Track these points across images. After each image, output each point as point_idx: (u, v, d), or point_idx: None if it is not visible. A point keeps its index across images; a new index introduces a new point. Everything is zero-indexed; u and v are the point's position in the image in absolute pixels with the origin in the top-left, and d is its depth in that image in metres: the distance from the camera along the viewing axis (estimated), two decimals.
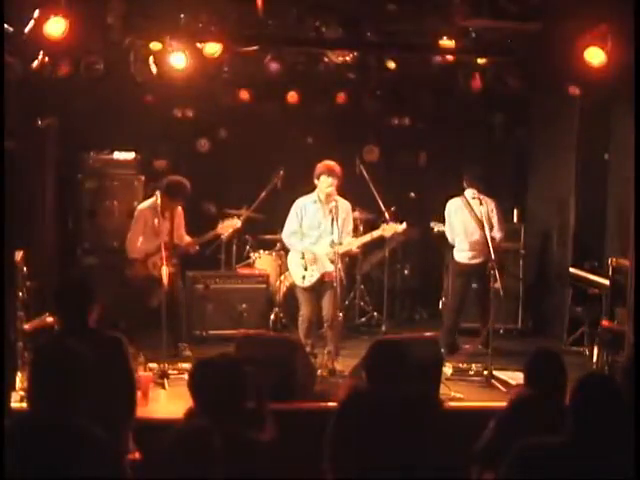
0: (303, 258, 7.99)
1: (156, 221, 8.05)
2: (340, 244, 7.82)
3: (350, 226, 8.17)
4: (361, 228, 9.28)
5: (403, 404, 4.39)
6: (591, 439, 3.44)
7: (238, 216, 9.03)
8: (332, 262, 7.87)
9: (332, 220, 7.81)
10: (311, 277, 7.99)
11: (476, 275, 8.70)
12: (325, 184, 7.89)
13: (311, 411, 6.43)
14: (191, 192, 8.23)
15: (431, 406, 4.67)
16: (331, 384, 7.27)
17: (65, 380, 3.47)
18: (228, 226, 8.58)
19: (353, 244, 8.14)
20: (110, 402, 4.23)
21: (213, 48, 7.81)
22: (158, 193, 7.97)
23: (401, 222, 8.25)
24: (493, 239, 8.26)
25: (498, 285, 7.87)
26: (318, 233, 8.02)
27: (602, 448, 3.43)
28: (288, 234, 8.16)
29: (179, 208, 8.34)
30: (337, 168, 7.95)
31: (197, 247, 8.49)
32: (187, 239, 8.42)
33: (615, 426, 3.45)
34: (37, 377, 3.54)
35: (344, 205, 8.04)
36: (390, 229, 8.13)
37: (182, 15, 7.57)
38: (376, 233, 8.15)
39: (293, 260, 8.17)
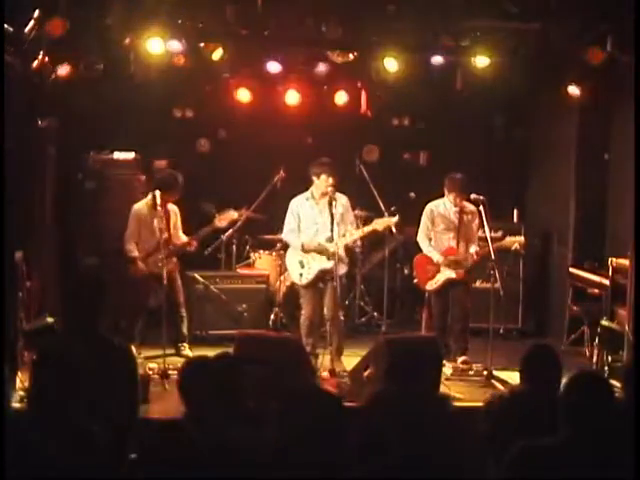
0: (307, 252, 7.94)
1: (155, 220, 8.05)
2: (343, 236, 7.82)
3: (351, 218, 8.11)
4: (361, 227, 9.25)
5: (419, 404, 4.37)
6: (585, 437, 3.44)
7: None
8: (330, 257, 7.82)
9: (329, 216, 7.78)
10: (308, 274, 7.97)
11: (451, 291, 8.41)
12: (326, 183, 7.86)
13: None
14: (189, 190, 8.24)
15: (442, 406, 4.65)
16: (331, 384, 7.26)
17: (66, 382, 3.47)
18: (225, 218, 8.56)
19: (347, 240, 8.01)
20: (113, 407, 4.20)
21: (214, 50, 7.82)
22: (157, 192, 8.00)
23: (394, 215, 8.22)
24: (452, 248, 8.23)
25: (498, 285, 7.87)
26: (315, 229, 7.99)
27: (597, 445, 3.43)
28: (287, 232, 8.14)
29: (175, 207, 8.34)
30: (334, 165, 7.94)
31: (195, 244, 8.46)
32: (183, 238, 8.41)
33: (608, 423, 3.45)
34: (39, 378, 3.55)
35: (341, 199, 7.98)
36: (382, 222, 8.10)
37: (182, 15, 7.59)
38: (368, 228, 8.11)
39: (290, 258, 8.15)
